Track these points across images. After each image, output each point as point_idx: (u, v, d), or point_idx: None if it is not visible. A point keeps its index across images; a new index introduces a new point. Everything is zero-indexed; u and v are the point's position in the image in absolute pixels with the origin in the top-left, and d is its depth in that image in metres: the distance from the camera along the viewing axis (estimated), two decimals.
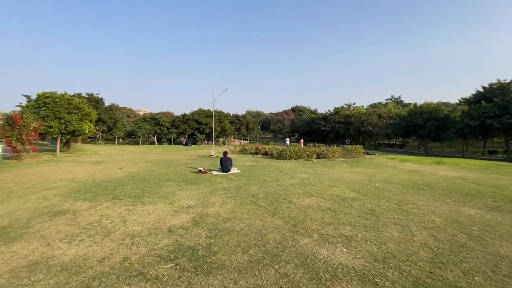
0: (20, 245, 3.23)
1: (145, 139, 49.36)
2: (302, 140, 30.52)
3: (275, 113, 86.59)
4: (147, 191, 6.29)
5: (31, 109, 14.29)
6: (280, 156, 15.19)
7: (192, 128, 47.56)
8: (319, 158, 15.67)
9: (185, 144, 41.86)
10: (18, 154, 12.06)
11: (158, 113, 57.10)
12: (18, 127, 11.76)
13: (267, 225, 4.02)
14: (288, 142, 31.78)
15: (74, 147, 20.84)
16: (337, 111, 53.74)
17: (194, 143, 47.09)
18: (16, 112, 12.29)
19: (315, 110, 78.07)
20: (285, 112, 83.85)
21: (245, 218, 4.36)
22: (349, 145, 21.07)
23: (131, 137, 51.59)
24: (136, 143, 46.19)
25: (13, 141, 11.78)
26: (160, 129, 46.49)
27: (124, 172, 9.35)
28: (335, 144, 21.86)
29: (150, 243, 3.37)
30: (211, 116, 48.41)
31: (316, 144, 24.45)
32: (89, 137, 34.89)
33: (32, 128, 12.47)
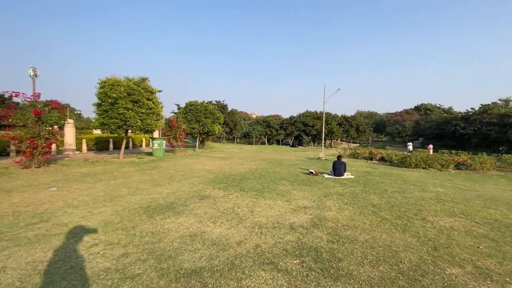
0: (183, 219, 4.26)
1: (257, 139, 54.41)
2: (430, 146, 25.17)
3: (392, 113, 75.39)
4: (266, 187, 6.93)
5: (181, 114, 18.71)
6: (402, 163, 13.10)
7: (299, 130, 48.49)
8: (458, 169, 12.43)
9: (292, 145, 43.22)
10: (173, 148, 16.08)
11: (268, 116, 61.80)
12: (174, 128, 15.68)
13: (396, 242, 3.55)
14: (410, 147, 26.97)
15: (207, 145, 25.69)
16: (485, 109, 40.69)
17: (300, 144, 47.78)
18: (173, 117, 16.42)
19: (450, 108, 62.45)
20: (406, 111, 71.52)
21: (368, 229, 4.02)
22: (506, 155, 15.57)
23: (246, 138, 58.23)
24: (250, 143, 51.59)
25: (171, 139, 15.83)
26: (270, 130, 50.03)
27: (245, 168, 10.67)
28: (482, 152, 16.66)
29: (275, 236, 3.68)
30: (318, 118, 47.74)
31: (453, 152, 19.51)
32: (217, 137, 41.94)
33: (182, 129, 16.32)
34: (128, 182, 7.02)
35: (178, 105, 45.67)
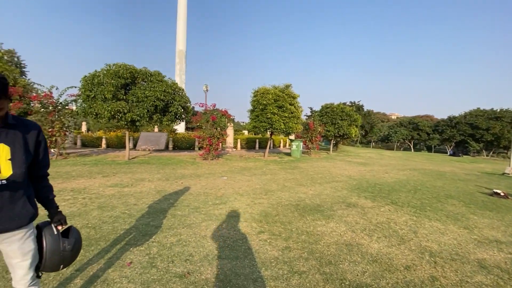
0: (333, 224, 4.18)
1: (398, 144, 46.52)
2: None
3: None
4: (427, 205, 5.67)
5: (317, 117, 18.96)
6: None
7: (463, 134, 37.06)
8: None
9: (453, 154, 33.64)
10: (308, 150, 16.56)
11: (415, 117, 51.24)
12: (311, 131, 16.10)
13: None
14: None
15: (340, 148, 24.71)
16: None
17: (466, 153, 36.40)
18: (309, 120, 16.90)
19: None
20: None
21: None
22: None
23: (383, 142, 51.29)
24: (389, 148, 44.98)
25: (307, 141, 16.38)
26: (418, 134, 41.48)
27: (392, 178, 9.29)
28: None
29: (458, 271, 2.86)
30: (497, 118, 34.37)
31: None
32: (352, 140, 39.51)
33: (318, 131, 16.49)
34: (276, 179, 7.84)
35: (311, 108, 46.81)
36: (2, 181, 1.27)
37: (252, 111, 13.27)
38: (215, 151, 12.03)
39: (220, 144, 12.28)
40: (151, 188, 5.95)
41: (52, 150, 10.28)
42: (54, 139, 9.99)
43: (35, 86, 10.26)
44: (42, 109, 9.74)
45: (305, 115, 32.58)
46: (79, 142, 16.12)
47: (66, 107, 10.42)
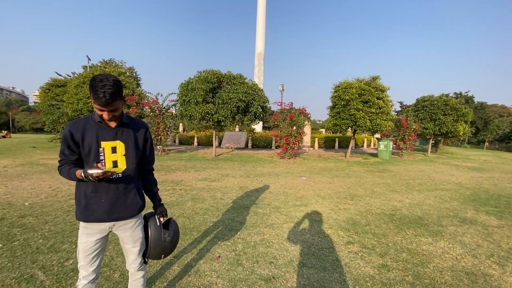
0: (445, 244, 3.35)
1: None
2: None
3: None
4: None
5: (411, 112, 16.24)
6: None
7: None
8: None
9: None
10: (400, 151, 14.37)
11: None
12: (403, 129, 13.91)
13: None
14: None
15: (441, 149, 20.50)
16: None
17: None
18: (403, 116, 14.62)
19: None
20: None
21: None
22: None
23: (502, 142, 39.85)
24: (510, 150, 34.65)
25: (398, 140, 14.24)
26: None
27: None
28: None
29: None
30: None
31: None
32: (458, 140, 32.40)
33: (413, 129, 14.10)
34: (362, 183, 7.06)
35: (401, 103, 40.79)
36: (118, 175, 1.43)
37: (332, 108, 12.46)
38: (293, 150, 11.88)
39: (298, 143, 12.05)
40: (235, 184, 6.29)
41: (157, 147, 12.36)
42: (159, 137, 11.98)
43: (147, 94, 12.47)
44: (151, 113, 11.83)
45: (393, 111, 28.61)
46: (177, 140, 18.94)
47: (168, 110, 12.33)
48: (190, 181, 6.48)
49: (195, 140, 18.44)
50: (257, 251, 2.94)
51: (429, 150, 16.77)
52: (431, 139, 16.72)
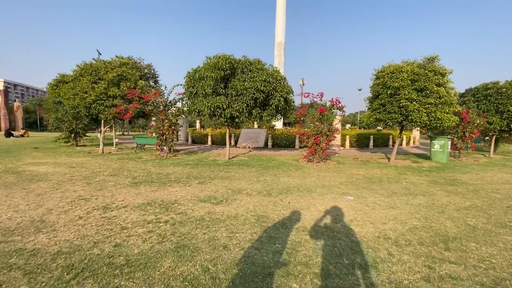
0: None
1: None
2: None
3: None
4: None
5: (472, 103, 13.15)
6: None
7: None
8: None
9: None
10: (458, 151, 11.50)
11: None
12: (463, 124, 11.05)
13: None
14: None
15: (501, 148, 17.00)
16: None
17: None
18: (463, 108, 11.69)
19: None
20: None
21: None
22: None
23: None
24: None
25: (455, 138, 11.39)
26: None
27: None
28: None
29: None
30: None
31: None
32: None
33: (476, 124, 11.19)
34: (438, 205, 4.70)
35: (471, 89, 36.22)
36: None
37: (373, 99, 9.98)
38: (323, 152, 9.62)
39: (329, 143, 9.76)
40: (249, 210, 4.25)
41: (163, 148, 10.66)
42: (164, 137, 10.26)
43: (156, 87, 10.76)
44: (154, 109, 10.12)
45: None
46: (190, 139, 17.31)
47: (175, 105, 10.56)
48: (186, 204, 4.54)
49: (209, 139, 16.67)
50: None
51: (492, 150, 13.59)
52: (493, 137, 13.54)
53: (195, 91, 8.96)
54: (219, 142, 16.95)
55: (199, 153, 12.31)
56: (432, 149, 10.76)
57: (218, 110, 8.55)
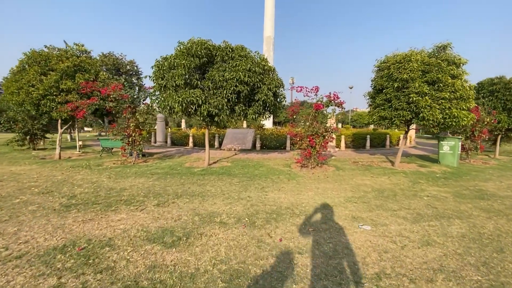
0: None
1: None
2: None
3: None
4: None
5: (482, 100, 12.07)
6: None
7: None
8: None
9: None
10: (466, 152, 10.36)
11: None
12: (472, 122, 9.89)
13: None
14: None
15: (503, 147, 16.16)
16: None
17: None
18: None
19: None
20: None
21: None
22: None
23: None
24: None
25: (462, 138, 10.23)
26: None
27: None
28: None
29: None
30: None
31: None
32: None
33: (485, 123, 10.07)
34: (488, 236, 3.30)
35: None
36: None
37: (375, 94, 8.63)
38: (320, 156, 8.20)
39: (327, 145, 8.35)
40: (219, 259, 2.70)
41: (132, 152, 8.95)
42: (130, 139, 8.55)
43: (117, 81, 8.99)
44: (117, 106, 8.37)
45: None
46: (169, 141, 15.54)
47: (144, 101, 8.83)
48: (123, 247, 2.94)
49: (190, 140, 14.95)
50: None
51: (497, 150, 12.59)
52: (499, 136, 12.55)
53: (164, 84, 7.31)
54: (202, 144, 15.29)
55: (175, 157, 10.64)
56: (440, 151, 9.53)
57: (192, 106, 6.93)
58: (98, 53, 39.69)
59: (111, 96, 8.05)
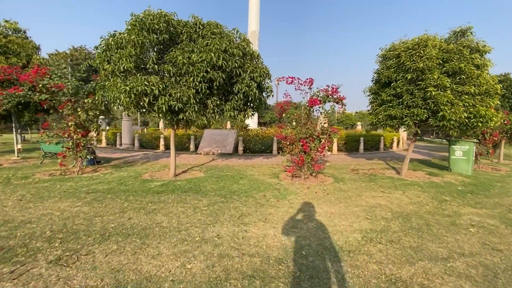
0: None
1: None
2: None
3: None
4: None
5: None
6: None
7: None
8: None
9: None
10: (475, 157, 9.14)
11: None
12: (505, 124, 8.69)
13: None
14: None
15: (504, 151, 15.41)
16: None
17: None
18: None
19: None
20: None
21: None
22: None
23: None
24: None
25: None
26: None
27: None
28: None
29: None
30: None
31: None
32: None
33: (502, 123, 8.93)
34: None
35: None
36: None
37: (378, 90, 7.15)
38: (315, 164, 6.59)
39: (323, 150, 6.74)
40: None
41: (78, 159, 6.90)
42: (72, 143, 6.52)
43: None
44: (53, 100, 6.33)
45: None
46: (136, 143, 13.39)
47: (88, 94, 6.84)
48: None
49: (161, 142, 12.91)
50: None
51: (502, 154, 11.61)
52: (503, 139, 11.57)
53: (111, 69, 5.39)
54: (176, 146, 13.28)
55: (137, 164, 8.66)
56: (452, 157, 8.20)
57: (145, 98, 5.06)
58: (69, 47, 36.36)
59: (40, 86, 6.00)
